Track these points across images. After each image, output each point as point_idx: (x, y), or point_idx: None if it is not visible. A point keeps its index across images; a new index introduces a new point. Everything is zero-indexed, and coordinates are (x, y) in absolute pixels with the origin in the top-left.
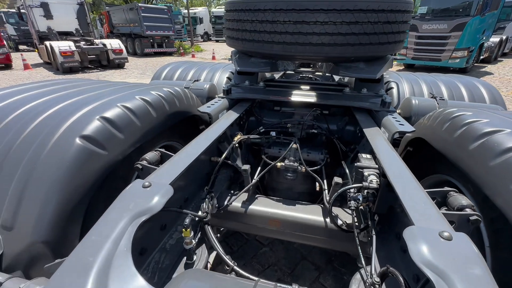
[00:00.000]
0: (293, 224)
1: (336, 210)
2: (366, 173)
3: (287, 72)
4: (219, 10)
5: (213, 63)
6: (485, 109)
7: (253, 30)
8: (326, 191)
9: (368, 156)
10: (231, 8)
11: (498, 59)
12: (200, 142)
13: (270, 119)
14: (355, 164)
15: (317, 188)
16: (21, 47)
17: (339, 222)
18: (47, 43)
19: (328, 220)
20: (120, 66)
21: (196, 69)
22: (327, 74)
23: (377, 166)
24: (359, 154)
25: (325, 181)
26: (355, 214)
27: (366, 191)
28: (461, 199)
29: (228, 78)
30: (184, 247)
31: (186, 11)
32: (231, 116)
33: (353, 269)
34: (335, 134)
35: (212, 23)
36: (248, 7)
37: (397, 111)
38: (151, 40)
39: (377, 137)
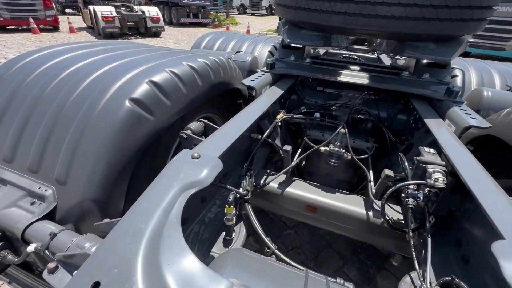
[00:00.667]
0: (331, 212)
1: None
2: (430, 170)
3: (329, 51)
4: None
5: (254, 36)
6: None
7: None
8: (372, 182)
9: (432, 150)
10: None
11: None
12: (244, 117)
13: (313, 99)
14: (417, 158)
15: (355, 179)
16: (67, 10)
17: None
18: (91, 7)
19: (370, 213)
20: (156, 34)
21: (237, 41)
22: (372, 56)
23: (443, 163)
24: (420, 147)
25: (371, 171)
26: (410, 213)
27: (427, 189)
28: None
29: (270, 52)
30: (225, 223)
31: None
32: (275, 92)
33: (379, 264)
34: (384, 122)
35: None
36: None
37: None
38: (187, 10)
39: (442, 130)
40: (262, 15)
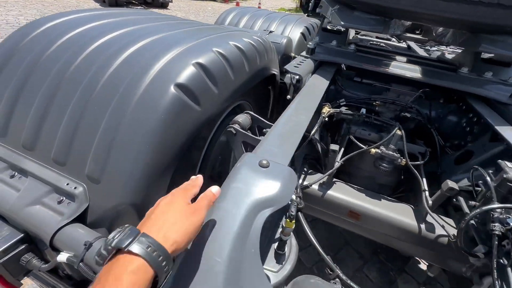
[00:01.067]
0: (376, 220)
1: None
2: None
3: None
4: None
5: (283, 13)
6: None
7: None
8: (427, 192)
9: None
10: None
11: None
12: (300, 113)
13: (352, 90)
14: (505, 176)
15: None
16: None
17: (442, 232)
18: None
19: (422, 226)
20: (163, 5)
21: (265, 19)
22: (402, 45)
23: None
24: (501, 161)
25: (424, 179)
26: (496, 240)
27: None
28: None
29: (302, 34)
30: (281, 237)
31: None
32: (321, 82)
33: (400, 266)
34: (434, 123)
35: None
36: None
37: None
38: None
39: None
40: None
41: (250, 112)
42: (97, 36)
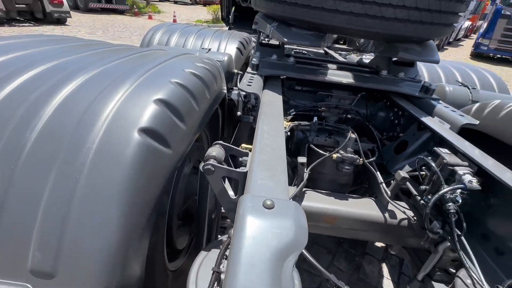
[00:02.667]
0: (350, 220)
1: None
2: (460, 172)
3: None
4: None
5: (214, 29)
6: None
7: None
8: (384, 184)
9: (447, 151)
10: None
11: (444, 47)
12: (274, 135)
13: (297, 100)
14: (445, 162)
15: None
16: None
17: (403, 216)
18: None
19: (387, 215)
20: (60, 21)
21: (197, 36)
22: (320, 51)
23: (467, 163)
24: (437, 148)
25: (378, 173)
26: (453, 217)
27: (459, 191)
28: None
29: (238, 49)
30: None
31: None
32: (276, 99)
33: (361, 250)
34: (370, 121)
35: None
36: None
37: None
38: None
39: (441, 128)
40: (185, 3)
41: (220, 142)
42: (8, 77)
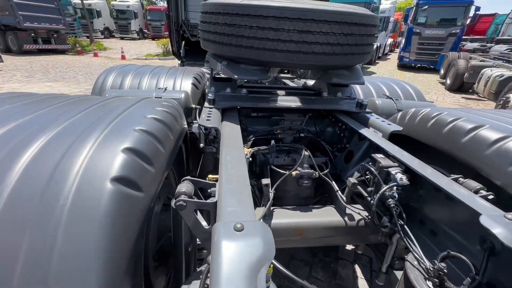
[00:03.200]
0: (316, 229)
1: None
2: (393, 172)
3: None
4: (121, 3)
5: (167, 68)
6: (434, 107)
7: (252, 37)
8: (339, 192)
9: (382, 155)
10: (221, 10)
11: (376, 61)
12: (237, 165)
13: (254, 126)
14: (381, 165)
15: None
16: None
17: (359, 217)
18: None
19: (346, 218)
20: None
21: (151, 75)
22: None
23: (397, 164)
24: (373, 155)
25: (333, 182)
26: (395, 211)
27: (395, 188)
28: (473, 183)
29: (193, 84)
30: None
31: (76, 1)
32: (235, 129)
33: (334, 255)
34: (320, 137)
35: (113, 17)
36: (246, 12)
37: None
38: (33, 34)
39: (376, 137)
40: (133, 39)
41: (188, 177)
42: None
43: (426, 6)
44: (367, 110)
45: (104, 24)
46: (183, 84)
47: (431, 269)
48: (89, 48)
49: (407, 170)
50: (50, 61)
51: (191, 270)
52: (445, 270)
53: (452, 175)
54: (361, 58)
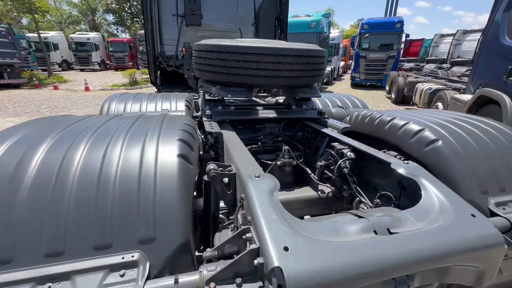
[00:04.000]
0: (298, 202)
1: (321, 186)
2: (345, 151)
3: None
4: (81, 36)
5: (161, 94)
6: (375, 111)
7: (239, 67)
8: (312, 174)
9: (338, 144)
10: (215, 49)
11: (332, 82)
12: (240, 150)
13: (242, 134)
14: (337, 148)
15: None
16: None
17: (328, 191)
18: None
19: (319, 192)
20: None
21: (149, 100)
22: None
23: (347, 146)
24: (333, 143)
25: (307, 168)
26: (348, 174)
27: (348, 161)
28: (393, 153)
29: (187, 106)
30: None
31: (31, 34)
32: (234, 136)
33: None
34: (294, 139)
35: (72, 50)
36: (235, 50)
37: None
38: None
39: (334, 133)
40: (94, 70)
41: (212, 162)
42: (76, 142)
43: (367, 34)
44: (326, 116)
45: (62, 57)
46: (178, 106)
47: (372, 205)
48: (48, 81)
49: (354, 149)
50: (4, 97)
51: (216, 229)
52: (379, 203)
53: (382, 150)
54: (316, 79)
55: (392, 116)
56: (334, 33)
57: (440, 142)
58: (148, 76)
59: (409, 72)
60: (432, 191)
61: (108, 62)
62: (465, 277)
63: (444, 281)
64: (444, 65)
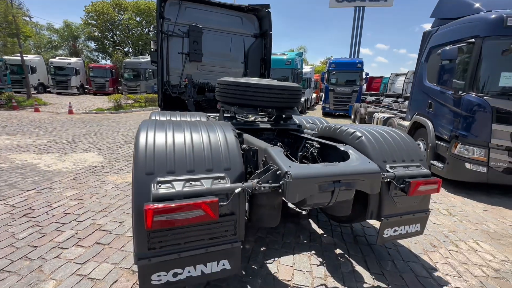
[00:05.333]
0: None
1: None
2: (314, 144)
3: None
4: (61, 61)
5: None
6: (333, 124)
7: (249, 95)
8: (296, 161)
9: (310, 141)
10: (233, 84)
11: (306, 111)
12: (257, 140)
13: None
14: (309, 143)
15: None
16: None
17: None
18: None
19: None
20: None
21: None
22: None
23: (316, 142)
24: (307, 142)
25: (292, 158)
26: (316, 154)
27: (316, 149)
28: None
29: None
30: None
31: (7, 57)
32: (248, 135)
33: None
34: (282, 142)
35: (51, 74)
36: (245, 85)
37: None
38: None
39: (308, 136)
40: (72, 94)
41: (243, 144)
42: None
43: (334, 72)
44: (303, 128)
45: (39, 80)
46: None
47: None
48: (28, 103)
49: (319, 143)
50: None
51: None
52: None
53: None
54: (296, 103)
55: (341, 125)
56: (306, 69)
57: (363, 137)
58: (132, 101)
59: (370, 104)
60: (353, 155)
61: (87, 86)
62: (364, 186)
63: (355, 188)
64: (399, 99)
